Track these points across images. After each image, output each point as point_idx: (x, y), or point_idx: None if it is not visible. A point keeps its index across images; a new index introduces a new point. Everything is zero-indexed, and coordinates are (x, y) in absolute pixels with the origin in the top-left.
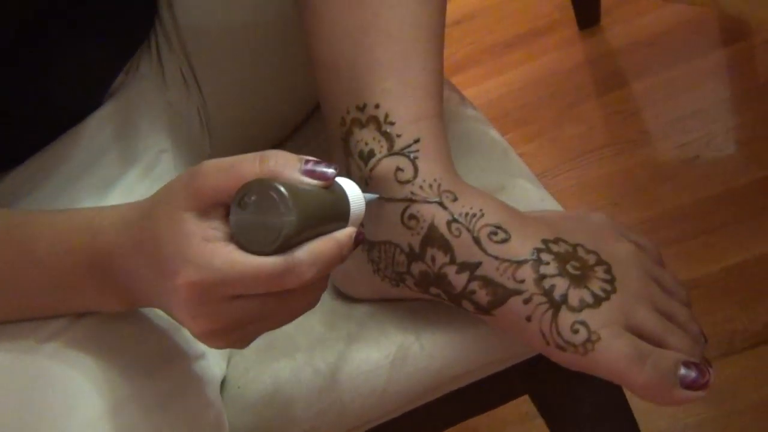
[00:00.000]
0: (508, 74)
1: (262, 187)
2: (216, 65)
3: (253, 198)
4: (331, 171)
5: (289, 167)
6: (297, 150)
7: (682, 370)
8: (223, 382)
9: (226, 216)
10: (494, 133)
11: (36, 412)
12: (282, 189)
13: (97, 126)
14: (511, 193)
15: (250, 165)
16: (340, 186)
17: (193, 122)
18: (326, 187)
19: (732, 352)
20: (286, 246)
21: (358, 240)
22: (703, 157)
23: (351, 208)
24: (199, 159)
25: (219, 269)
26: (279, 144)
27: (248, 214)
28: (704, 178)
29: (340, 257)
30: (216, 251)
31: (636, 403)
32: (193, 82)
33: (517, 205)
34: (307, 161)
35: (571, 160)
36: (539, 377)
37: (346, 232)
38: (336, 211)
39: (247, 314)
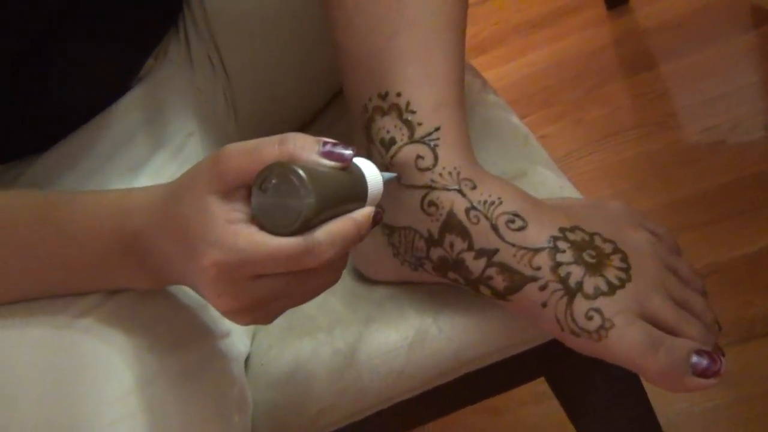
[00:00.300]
0: (534, 54)
1: (281, 171)
2: (242, 50)
3: (273, 181)
4: (348, 153)
5: (307, 149)
6: (321, 132)
7: (694, 358)
8: (247, 360)
9: (248, 197)
10: (515, 120)
11: (69, 385)
12: (301, 172)
13: (127, 110)
14: (531, 179)
15: (270, 148)
16: (357, 167)
17: (219, 105)
18: (344, 169)
19: (752, 337)
20: (305, 227)
21: (377, 219)
22: (729, 141)
23: (369, 188)
24: (225, 141)
25: (242, 250)
26: (303, 126)
27: (269, 196)
28: (729, 162)
29: (358, 237)
30: (239, 233)
31: (653, 386)
32: (219, 66)
33: (537, 192)
34: (325, 143)
35: (594, 143)
36: (555, 361)
37: (364, 212)
38: (354, 192)
39: (270, 292)
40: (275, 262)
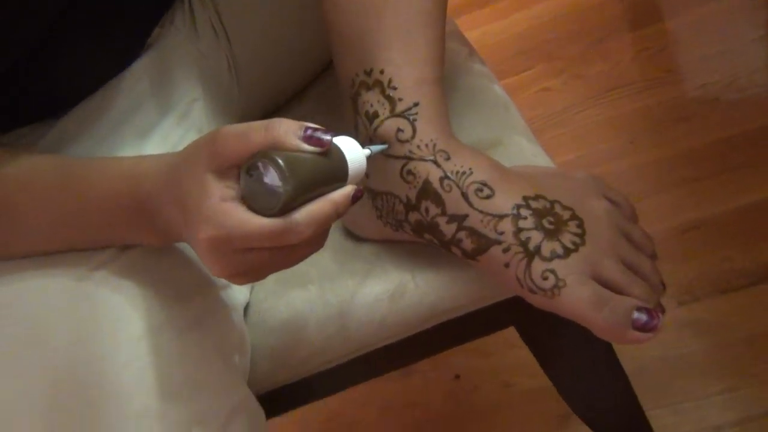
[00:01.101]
0: (538, 6)
1: (265, 159)
2: (243, 17)
3: (258, 168)
4: (326, 138)
5: (290, 134)
6: (318, 96)
7: (635, 314)
8: (246, 309)
9: (239, 175)
10: (498, 89)
11: (86, 330)
12: (280, 161)
13: (136, 77)
14: (508, 148)
15: (258, 132)
16: (338, 148)
17: (223, 71)
18: (323, 153)
19: (729, 289)
20: (286, 209)
21: (356, 197)
22: (723, 98)
23: (349, 167)
24: (229, 106)
25: (231, 227)
26: (302, 90)
27: (254, 181)
28: (722, 119)
29: (336, 215)
30: (229, 212)
31: None
32: (222, 32)
33: (512, 159)
34: (307, 128)
35: (594, 97)
36: (522, 313)
37: (343, 193)
38: (333, 174)
39: (258, 262)
40: (259, 239)
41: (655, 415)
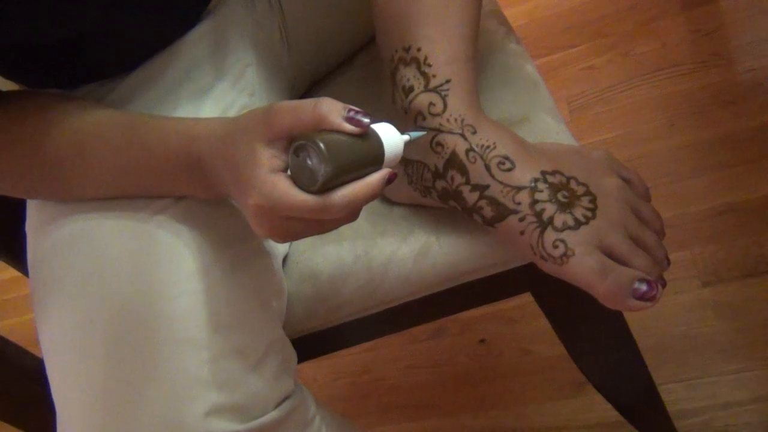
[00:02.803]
0: None
1: (309, 141)
2: None
3: (303, 149)
4: (366, 121)
5: (334, 113)
6: (363, 66)
7: (636, 284)
8: (285, 258)
9: (287, 147)
10: (530, 68)
11: (145, 265)
12: (321, 145)
13: (195, 41)
14: (534, 124)
15: (307, 109)
16: (376, 134)
17: (275, 40)
18: (363, 134)
19: (755, 274)
20: (326, 187)
21: (390, 180)
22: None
23: (385, 152)
24: (279, 72)
25: (276, 199)
26: (348, 59)
27: (300, 160)
28: (764, 106)
29: (371, 197)
30: (277, 184)
31: (653, 310)
32: (276, 4)
33: (537, 136)
34: (350, 110)
35: (638, 77)
36: (536, 279)
37: (378, 176)
38: (371, 158)
39: (295, 228)
40: (299, 212)
41: (669, 389)
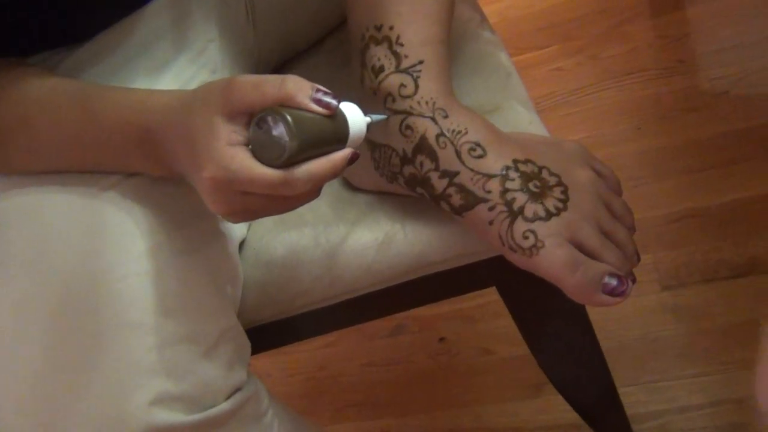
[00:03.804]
0: None
1: (275, 114)
2: None
3: (268, 121)
4: (334, 103)
5: (302, 93)
6: (332, 49)
7: (606, 279)
8: (242, 244)
9: (248, 123)
10: (503, 57)
11: (94, 242)
12: (289, 118)
13: (156, 12)
14: (506, 113)
15: (273, 85)
16: (342, 113)
17: (240, 16)
18: (329, 116)
19: (715, 278)
20: (289, 162)
21: (352, 159)
22: (733, 92)
23: (350, 131)
24: (244, 51)
25: (234, 171)
26: (317, 42)
27: (263, 133)
28: (729, 113)
29: (333, 174)
30: (235, 156)
31: (613, 312)
32: None
33: (509, 125)
34: (318, 90)
35: (606, 80)
36: (503, 273)
37: (341, 154)
38: (336, 135)
39: (253, 205)
40: (259, 186)
41: (628, 391)
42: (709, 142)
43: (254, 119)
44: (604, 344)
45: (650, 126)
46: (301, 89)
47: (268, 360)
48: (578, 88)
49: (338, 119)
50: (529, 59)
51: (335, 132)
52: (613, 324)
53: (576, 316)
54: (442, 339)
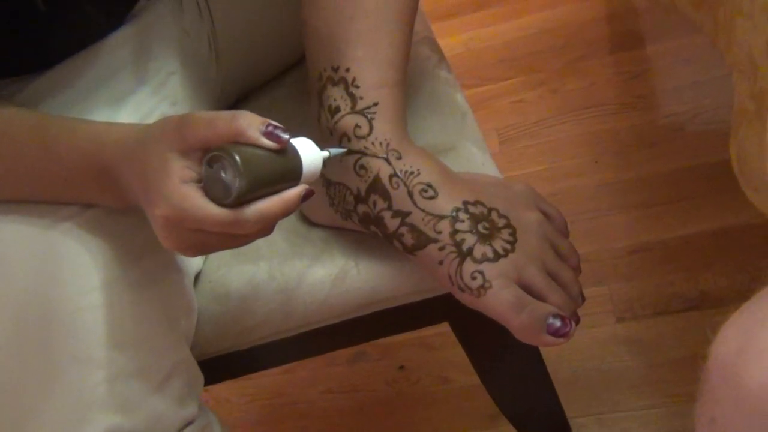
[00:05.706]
0: (528, 18)
1: (225, 153)
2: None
3: (217, 161)
4: (284, 137)
5: (253, 127)
6: (293, 84)
7: (550, 320)
8: (198, 276)
9: (201, 158)
10: (459, 97)
11: (48, 274)
12: (237, 158)
13: (117, 44)
14: (460, 154)
15: (224, 122)
16: (295, 149)
17: (203, 49)
18: (281, 150)
19: (666, 312)
20: (239, 201)
21: (306, 196)
22: (688, 129)
23: (303, 168)
24: (205, 83)
25: (185, 210)
26: (279, 75)
27: (214, 171)
28: (683, 149)
29: (285, 212)
30: (187, 195)
31: (568, 343)
32: (206, 11)
33: (462, 165)
34: (269, 125)
35: (565, 114)
36: (454, 310)
37: (294, 192)
38: (288, 173)
39: (206, 241)
40: (209, 225)
41: (580, 423)
42: (664, 177)
43: (205, 158)
44: (559, 374)
45: (607, 160)
46: (251, 124)
47: (226, 385)
48: (539, 121)
49: (291, 156)
50: (491, 90)
51: (287, 170)
52: (568, 354)
53: (527, 350)
54: (401, 367)
